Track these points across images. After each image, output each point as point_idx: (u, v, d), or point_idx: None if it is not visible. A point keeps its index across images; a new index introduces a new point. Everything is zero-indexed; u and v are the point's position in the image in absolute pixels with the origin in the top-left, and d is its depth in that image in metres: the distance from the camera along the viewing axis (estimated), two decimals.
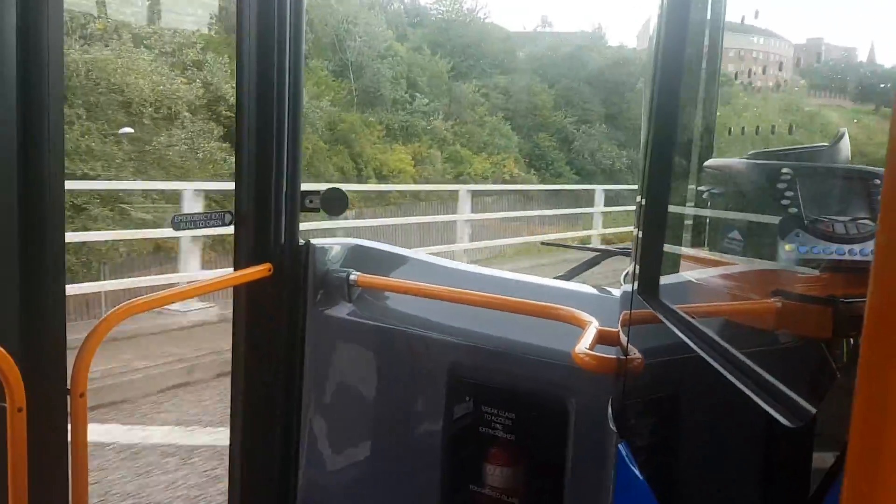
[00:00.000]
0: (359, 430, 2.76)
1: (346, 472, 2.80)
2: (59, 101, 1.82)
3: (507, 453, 2.39)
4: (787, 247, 1.16)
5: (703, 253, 1.54)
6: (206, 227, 2.62)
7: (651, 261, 1.50)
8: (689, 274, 1.57)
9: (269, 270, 2.55)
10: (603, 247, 3.01)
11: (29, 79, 1.73)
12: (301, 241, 2.65)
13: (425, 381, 2.59)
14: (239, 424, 2.66)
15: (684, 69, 1.47)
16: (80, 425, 1.86)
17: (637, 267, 1.54)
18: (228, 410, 2.68)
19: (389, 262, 2.80)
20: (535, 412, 2.37)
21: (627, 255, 2.59)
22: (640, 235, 1.53)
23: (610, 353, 1.74)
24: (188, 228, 2.61)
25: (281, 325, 2.64)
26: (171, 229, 2.62)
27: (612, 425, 1.59)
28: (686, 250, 1.60)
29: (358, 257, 2.75)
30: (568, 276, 2.85)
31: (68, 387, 1.84)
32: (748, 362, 0.99)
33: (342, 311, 2.70)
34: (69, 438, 1.88)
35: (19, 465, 1.65)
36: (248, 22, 2.47)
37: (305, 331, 2.69)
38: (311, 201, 2.63)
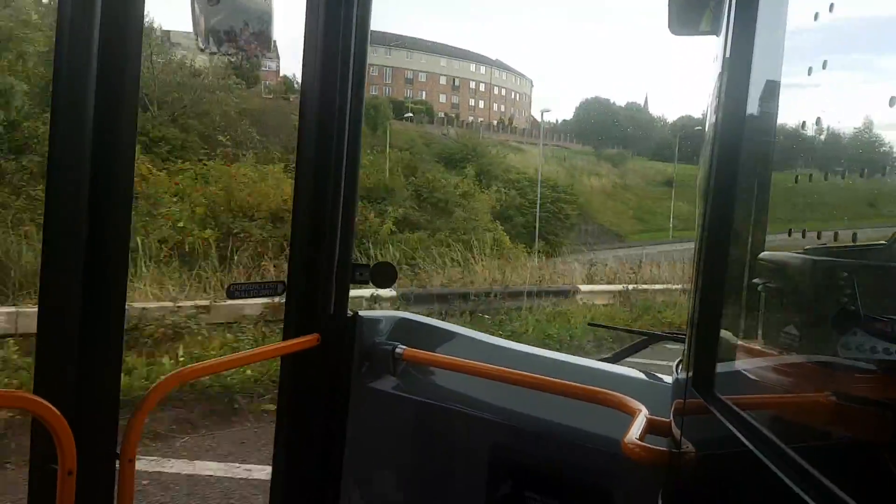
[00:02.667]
0: None
1: None
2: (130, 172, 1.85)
3: None
4: (845, 345, 1.13)
5: (759, 345, 1.51)
6: (258, 296, 2.70)
7: (705, 352, 1.48)
8: (744, 366, 1.54)
9: (317, 341, 2.59)
10: (652, 331, 2.95)
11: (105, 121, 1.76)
12: (349, 313, 2.68)
13: (467, 460, 2.55)
14: (280, 492, 2.66)
15: (741, 159, 1.47)
16: (127, 491, 1.87)
17: (691, 357, 1.52)
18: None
19: (436, 337, 2.79)
20: (579, 499, 2.32)
21: (678, 340, 2.53)
22: (694, 325, 1.51)
23: (659, 443, 1.70)
24: (242, 297, 2.68)
25: (325, 395, 2.66)
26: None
27: None
28: (741, 342, 1.56)
29: (405, 330, 2.76)
30: (614, 359, 2.79)
31: (118, 451, 1.86)
32: (805, 465, 0.97)
33: (387, 384, 2.70)
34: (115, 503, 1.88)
35: None
36: (310, 106, 2.58)
37: (349, 402, 2.69)
38: (360, 274, 2.68)
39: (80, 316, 1.76)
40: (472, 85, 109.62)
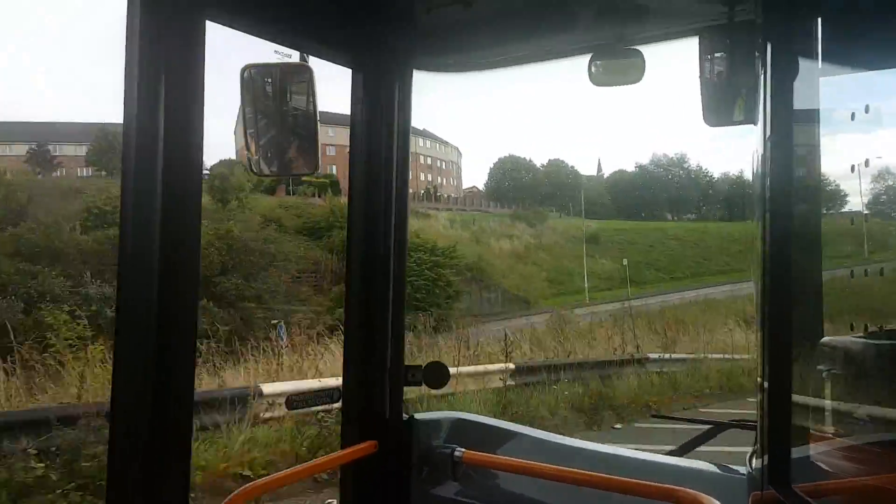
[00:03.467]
0: None
1: None
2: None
3: None
4: None
5: (831, 431, 1.56)
6: (316, 404, 2.76)
7: (779, 444, 1.49)
8: (818, 454, 1.56)
9: (375, 447, 2.60)
10: (719, 420, 2.88)
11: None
12: (405, 416, 2.73)
13: None
14: None
15: (793, 250, 1.51)
16: None
17: (764, 449, 1.53)
18: None
19: (494, 437, 2.80)
20: None
21: (746, 429, 2.54)
22: (765, 415, 1.52)
23: None
24: (302, 407, 2.72)
25: (387, 503, 2.65)
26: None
27: None
28: (813, 429, 1.60)
29: (462, 431, 2.78)
30: (680, 452, 2.75)
31: None
32: None
33: (448, 490, 2.68)
34: None
35: None
36: (357, 225, 2.69)
37: None
38: (413, 375, 2.73)
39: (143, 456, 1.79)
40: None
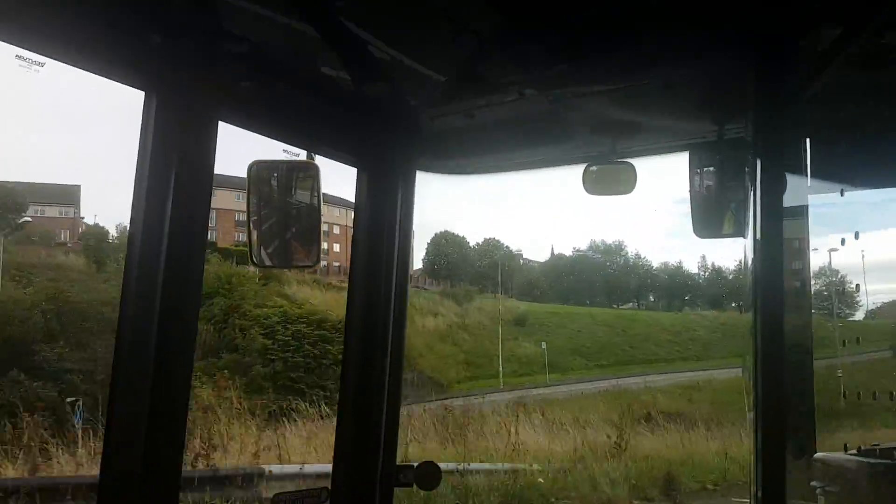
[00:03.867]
0: None
1: None
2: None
3: None
4: None
5: None
6: None
7: None
8: None
9: None
10: None
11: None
12: None
13: None
14: None
15: (784, 367, 1.56)
16: None
17: None
18: None
19: None
20: None
21: None
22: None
23: None
24: None
25: None
26: None
27: None
28: None
29: None
30: None
31: None
32: None
33: None
34: None
35: None
36: (356, 315, 2.70)
37: None
38: (404, 476, 2.70)
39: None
40: (325, 227, 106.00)
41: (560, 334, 66.01)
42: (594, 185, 2.55)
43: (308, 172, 2.45)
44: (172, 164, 1.89)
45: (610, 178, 2.52)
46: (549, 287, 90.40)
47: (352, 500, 2.62)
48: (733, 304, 76.44)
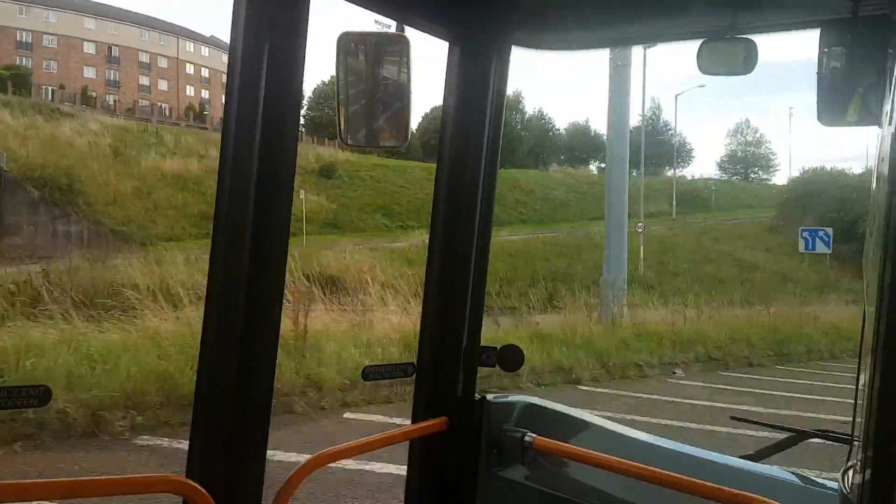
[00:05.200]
0: None
1: None
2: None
3: None
4: None
5: None
6: (391, 377, 2.62)
7: (886, 468, 1.36)
8: None
9: (445, 424, 2.57)
10: (804, 429, 2.75)
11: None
12: (477, 396, 2.68)
13: None
14: None
15: None
16: None
17: (867, 466, 1.40)
18: None
19: (567, 425, 2.77)
20: None
21: (835, 440, 2.51)
22: (871, 430, 1.39)
23: None
24: (376, 379, 2.60)
25: (454, 481, 2.63)
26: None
27: None
28: None
29: (534, 416, 2.75)
30: (757, 457, 2.67)
31: None
32: None
33: (516, 473, 2.67)
34: None
35: None
36: (444, 197, 2.60)
37: (477, 489, 2.66)
38: (487, 357, 2.69)
39: (231, 406, 1.86)
40: (146, 59, 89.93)
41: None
42: (709, 63, 2.40)
43: (398, 46, 2.28)
44: (265, 32, 1.82)
45: (728, 55, 2.30)
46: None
47: (436, 376, 2.60)
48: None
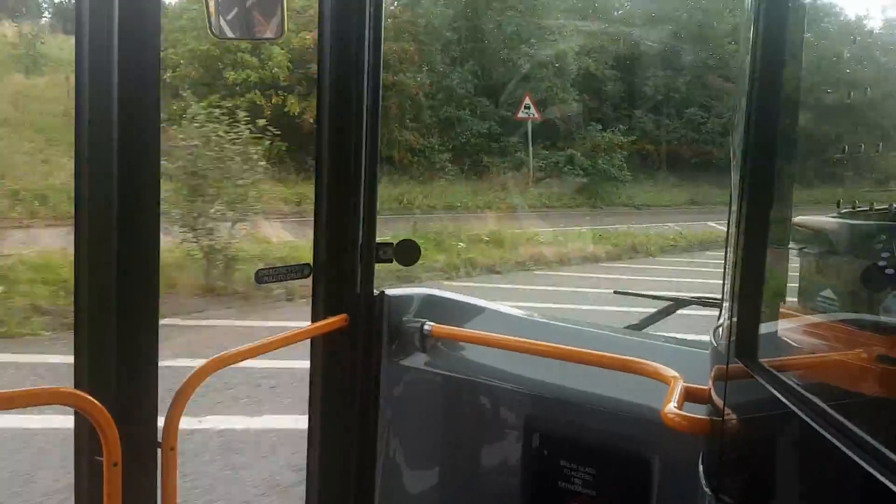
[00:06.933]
0: (433, 482, 2.80)
1: None
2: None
3: None
4: (886, 308, 1.18)
5: (798, 310, 1.55)
6: (286, 279, 2.59)
7: (748, 318, 1.48)
8: (784, 331, 1.58)
9: (346, 321, 2.58)
10: (678, 295, 2.98)
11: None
12: (375, 292, 2.69)
13: (501, 433, 2.64)
14: (315, 473, 2.64)
15: (778, 126, 1.47)
16: (170, 479, 1.91)
17: (732, 323, 1.52)
18: None
19: (464, 312, 2.83)
20: (615, 468, 2.35)
21: (707, 304, 2.69)
22: (735, 291, 1.51)
23: (696, 411, 1.79)
24: (271, 281, 2.58)
25: (356, 376, 2.67)
26: None
27: (704, 485, 1.60)
28: (781, 307, 1.60)
29: (432, 307, 2.79)
30: (640, 326, 2.84)
31: (159, 440, 1.89)
32: (851, 425, 1.04)
33: (417, 361, 2.72)
34: (159, 492, 1.91)
35: None
36: (328, 88, 2.52)
37: (380, 381, 2.71)
38: (384, 252, 2.69)
39: (115, 310, 1.81)
40: None
41: None
42: None
43: None
44: None
45: None
46: None
47: (334, 275, 2.58)
48: None
